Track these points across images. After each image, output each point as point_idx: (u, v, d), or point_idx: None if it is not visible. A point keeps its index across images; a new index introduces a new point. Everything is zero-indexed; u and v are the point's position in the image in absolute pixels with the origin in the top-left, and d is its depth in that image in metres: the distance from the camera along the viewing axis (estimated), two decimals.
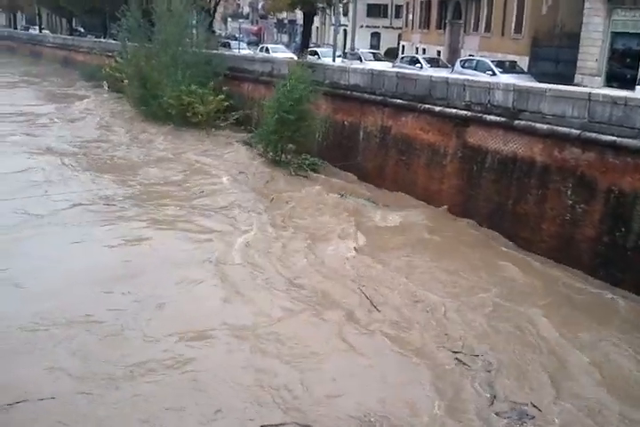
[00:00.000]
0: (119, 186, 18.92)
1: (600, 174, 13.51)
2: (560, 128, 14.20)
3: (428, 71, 23.91)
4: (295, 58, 27.38)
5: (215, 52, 30.83)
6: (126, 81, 32.62)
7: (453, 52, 34.99)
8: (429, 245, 15.16)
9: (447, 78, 17.81)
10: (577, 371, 9.66)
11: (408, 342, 10.28)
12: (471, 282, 13.01)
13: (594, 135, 13.53)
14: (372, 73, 20.76)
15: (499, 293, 12.45)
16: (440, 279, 13.14)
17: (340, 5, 54.57)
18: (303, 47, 28.31)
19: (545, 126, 14.54)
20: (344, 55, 28.13)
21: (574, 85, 21.78)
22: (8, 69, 54.41)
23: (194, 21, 30.49)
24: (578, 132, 13.79)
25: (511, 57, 28.89)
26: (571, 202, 14.06)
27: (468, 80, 17.19)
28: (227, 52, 32.77)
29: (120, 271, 12.52)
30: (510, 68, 23.01)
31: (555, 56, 27.39)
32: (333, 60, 25.26)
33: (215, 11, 38.91)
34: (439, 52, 37.17)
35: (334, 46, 26.82)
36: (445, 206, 17.29)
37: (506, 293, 12.48)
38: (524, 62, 28.31)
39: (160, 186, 19.29)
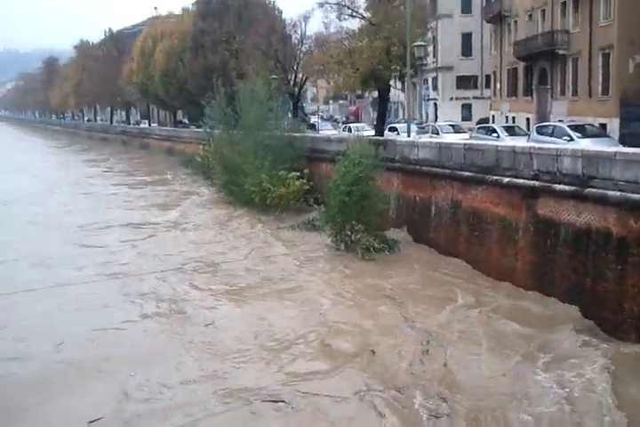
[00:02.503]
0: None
1: None
2: (634, 195, 12.79)
3: (506, 140, 22.93)
4: (372, 135, 27.13)
5: (296, 134, 31.17)
6: (215, 167, 33.57)
7: (542, 119, 33.69)
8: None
9: (514, 147, 16.78)
10: None
11: None
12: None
13: None
14: (439, 146, 20.05)
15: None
16: None
17: (429, 79, 55.09)
18: (379, 124, 28.04)
19: (618, 194, 13.16)
20: (423, 129, 27.61)
21: None
22: (115, 161, 58.55)
23: (276, 106, 31.03)
24: None
25: (600, 120, 27.41)
26: None
27: (534, 148, 16.08)
28: (310, 134, 33.05)
29: None
30: (591, 131, 21.59)
31: None
32: (408, 136, 24.73)
33: (300, 94, 39.78)
34: (528, 120, 35.97)
35: (408, 121, 26.37)
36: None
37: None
38: (614, 124, 26.69)
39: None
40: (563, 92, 33.57)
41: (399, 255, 19.83)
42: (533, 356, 12.24)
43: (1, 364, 12.83)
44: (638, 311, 12.71)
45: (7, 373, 12.40)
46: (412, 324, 14.19)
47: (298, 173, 27.57)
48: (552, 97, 34.65)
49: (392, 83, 31.38)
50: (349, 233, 20.48)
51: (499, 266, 16.89)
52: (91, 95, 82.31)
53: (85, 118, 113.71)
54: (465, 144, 19.13)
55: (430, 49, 51.71)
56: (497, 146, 17.65)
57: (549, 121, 31.18)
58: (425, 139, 22.85)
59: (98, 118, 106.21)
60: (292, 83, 38.07)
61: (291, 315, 15.18)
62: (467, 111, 51.69)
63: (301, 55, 37.98)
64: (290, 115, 36.08)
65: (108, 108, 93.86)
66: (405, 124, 27.93)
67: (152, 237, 24.53)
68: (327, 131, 37.23)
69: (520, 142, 19.73)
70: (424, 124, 27.32)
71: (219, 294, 17.03)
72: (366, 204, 19.67)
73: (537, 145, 17.08)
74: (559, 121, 28.18)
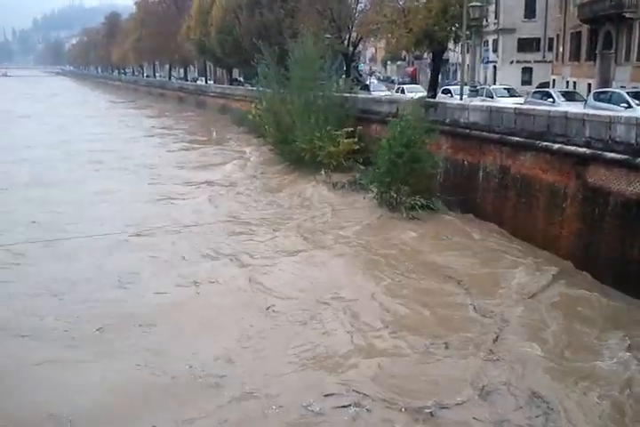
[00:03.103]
0: None
1: None
2: None
3: (561, 106, 22.21)
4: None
5: (347, 94, 30.89)
6: (266, 126, 33.58)
7: (604, 84, 32.43)
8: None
9: (566, 113, 16.22)
10: None
11: None
12: None
13: None
14: (490, 110, 19.57)
15: None
16: None
17: (489, 41, 53.50)
18: (432, 85, 27.47)
19: None
20: (477, 92, 26.92)
21: None
22: (173, 119, 59.25)
23: (328, 66, 30.68)
24: None
25: None
26: None
27: (587, 114, 15.53)
28: (360, 95, 32.65)
29: None
30: None
31: None
32: (461, 98, 24.20)
33: (354, 54, 39.22)
34: (590, 85, 34.69)
35: (461, 84, 25.77)
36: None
37: None
38: None
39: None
40: (627, 58, 32.19)
41: (444, 219, 19.77)
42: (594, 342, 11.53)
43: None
44: None
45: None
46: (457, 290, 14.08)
47: (350, 129, 27.45)
48: (616, 62, 33.27)
49: (450, 45, 30.61)
50: (395, 195, 20.50)
51: (544, 234, 16.60)
52: (150, 51, 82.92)
53: (145, 74, 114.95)
54: (516, 108, 18.62)
55: (492, 10, 50.28)
56: (549, 111, 17.12)
57: (612, 87, 30.02)
58: (476, 102, 22.30)
59: (157, 75, 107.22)
60: (346, 42, 37.52)
61: (354, 284, 14.71)
62: (527, 75, 50.13)
63: (356, 14, 37.30)
64: (342, 75, 35.69)
65: (167, 65, 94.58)
66: (459, 87, 27.28)
67: (203, 196, 24.78)
68: (380, 92, 36.60)
69: (575, 108, 19.08)
70: (478, 87, 26.55)
71: (276, 256, 16.72)
72: (416, 166, 19.64)
73: (590, 111, 16.53)
74: (621, 87, 27.12)
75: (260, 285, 14.67)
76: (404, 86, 35.93)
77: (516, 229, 17.77)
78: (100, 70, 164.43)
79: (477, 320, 12.53)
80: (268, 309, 13.27)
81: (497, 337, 11.70)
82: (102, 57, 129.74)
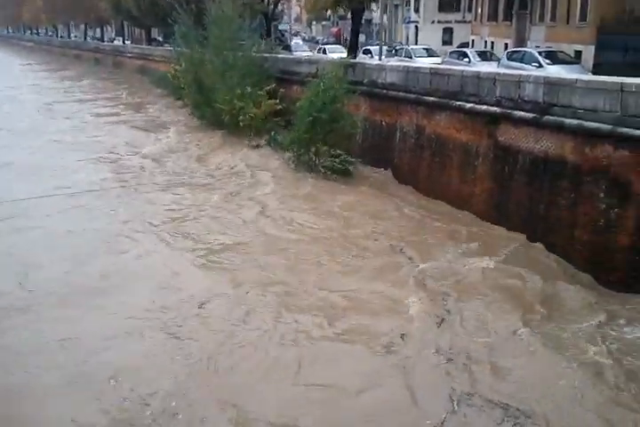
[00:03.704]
0: None
1: (635, 175, 11.95)
2: (590, 123, 12.69)
3: (477, 65, 22.55)
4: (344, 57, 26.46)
5: (267, 55, 30.35)
6: (185, 87, 32.74)
7: (520, 44, 33.05)
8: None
9: (479, 73, 16.48)
10: None
11: None
12: None
13: (627, 130, 11.98)
14: (407, 70, 19.65)
15: None
16: None
17: (411, 1, 53.55)
18: (352, 46, 27.30)
19: (574, 122, 13.05)
20: (395, 52, 26.91)
21: None
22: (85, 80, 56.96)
23: (246, 25, 30.02)
24: (609, 127, 12.26)
25: (577, 47, 26.91)
26: (604, 206, 12.54)
27: (498, 74, 15.81)
28: (281, 55, 32.16)
29: None
30: (562, 58, 21.21)
31: (623, 44, 25.09)
32: (379, 59, 24.20)
33: (274, 13, 38.45)
34: (507, 45, 35.27)
35: (380, 44, 25.74)
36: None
37: None
38: (589, 52, 26.22)
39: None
40: (541, 18, 32.83)
41: (365, 182, 19.85)
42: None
43: None
44: (588, 238, 12.90)
45: None
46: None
47: (271, 87, 26.97)
48: (531, 22, 33.88)
49: (373, 6, 30.33)
50: (313, 156, 20.45)
51: (458, 194, 16.93)
52: (63, 11, 79.00)
53: (59, 35, 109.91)
54: (431, 69, 18.76)
55: None
56: (462, 71, 17.32)
57: (527, 47, 30.59)
58: (394, 62, 22.34)
59: (72, 35, 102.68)
60: (265, 1, 36.73)
61: (291, 269, 13.07)
62: (448, 35, 50.57)
63: None
64: (263, 35, 35.03)
65: (82, 25, 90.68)
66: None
67: (112, 165, 23.03)
68: (302, 52, 36.22)
69: (489, 68, 19.39)
70: (397, 47, 26.54)
71: (203, 240, 14.71)
72: (336, 125, 19.60)
73: (501, 71, 16.82)
74: (536, 47, 27.64)
75: (186, 277, 12.70)
76: (326, 47, 35.60)
77: (432, 189, 18.05)
78: (10, 30, 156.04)
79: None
80: (200, 307, 11.36)
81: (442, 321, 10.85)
82: (12, 16, 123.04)
